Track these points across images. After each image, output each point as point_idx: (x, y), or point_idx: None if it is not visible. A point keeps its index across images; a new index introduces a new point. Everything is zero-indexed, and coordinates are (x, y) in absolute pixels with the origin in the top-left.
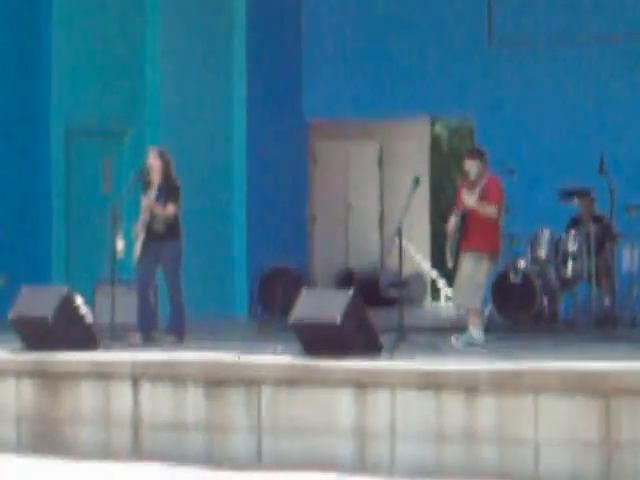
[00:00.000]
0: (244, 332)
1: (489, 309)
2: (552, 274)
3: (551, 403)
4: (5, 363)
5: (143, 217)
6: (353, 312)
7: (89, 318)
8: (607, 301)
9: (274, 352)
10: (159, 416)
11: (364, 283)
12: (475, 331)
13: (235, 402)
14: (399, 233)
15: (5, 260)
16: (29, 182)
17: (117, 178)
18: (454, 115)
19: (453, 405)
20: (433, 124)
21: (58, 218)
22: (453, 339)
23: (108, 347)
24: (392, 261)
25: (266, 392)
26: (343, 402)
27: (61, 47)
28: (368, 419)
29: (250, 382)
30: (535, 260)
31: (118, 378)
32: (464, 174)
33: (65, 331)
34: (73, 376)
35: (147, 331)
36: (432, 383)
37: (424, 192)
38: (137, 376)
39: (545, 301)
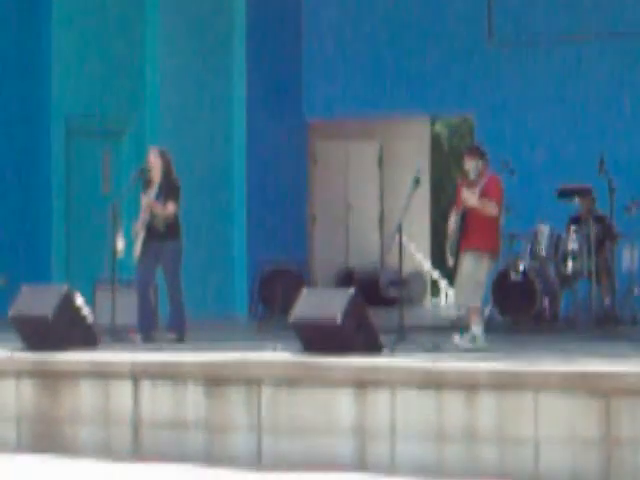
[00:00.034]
0: (244, 331)
1: (489, 308)
2: (552, 272)
3: (551, 402)
4: (5, 362)
5: (143, 216)
6: (353, 311)
7: (89, 317)
8: (607, 300)
9: (274, 350)
10: (159, 415)
11: (364, 282)
12: (477, 330)
13: (235, 401)
14: (399, 231)
15: (5, 260)
16: (29, 182)
17: (117, 177)
18: (454, 114)
19: (453, 404)
20: (433, 123)
21: (58, 218)
22: (457, 338)
23: (108, 346)
24: (392, 260)
25: (266, 391)
26: (343, 401)
27: (61, 47)
28: (368, 418)
29: (250, 381)
30: (535, 257)
31: (118, 377)
32: (464, 173)
33: (65, 330)
34: (73, 375)
35: (147, 331)
36: (432, 382)
37: (424, 191)
38: (137, 375)
39: (545, 300)
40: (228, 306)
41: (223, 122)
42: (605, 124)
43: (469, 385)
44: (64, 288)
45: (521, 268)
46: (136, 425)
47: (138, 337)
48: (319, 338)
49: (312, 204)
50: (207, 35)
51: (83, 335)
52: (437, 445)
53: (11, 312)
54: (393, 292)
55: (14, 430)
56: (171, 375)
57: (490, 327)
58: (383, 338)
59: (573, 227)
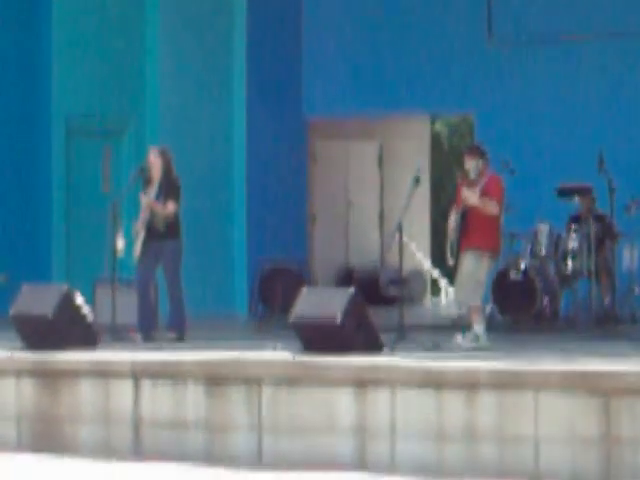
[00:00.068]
0: (244, 331)
1: (489, 307)
2: (552, 271)
3: (551, 401)
4: (5, 362)
5: (143, 216)
6: (353, 310)
7: (89, 317)
8: (607, 299)
9: (274, 350)
10: (159, 415)
11: (364, 282)
12: (479, 329)
13: (235, 400)
14: (399, 230)
15: (5, 259)
16: (29, 182)
17: (117, 177)
18: (454, 113)
19: (453, 403)
20: (433, 122)
21: (58, 217)
22: (459, 338)
23: (108, 346)
24: (392, 259)
25: (266, 390)
26: (343, 400)
27: (61, 47)
28: (368, 417)
29: (250, 380)
30: (535, 256)
31: (118, 376)
32: (464, 172)
33: (65, 330)
34: (73, 374)
35: (147, 330)
36: (432, 381)
37: (424, 190)
38: (137, 374)
39: (545, 299)
40: (228, 305)
41: (223, 122)
42: (605, 124)
43: (469, 384)
44: (64, 287)
45: (521, 267)
46: (136, 424)
47: (138, 336)
48: (319, 337)
49: (312, 203)
50: (207, 35)
51: (83, 334)
52: (437, 444)
53: (11, 311)
54: (393, 291)
55: (14, 429)
56: (171, 374)
57: (490, 326)
58: (383, 337)
59: (573, 226)
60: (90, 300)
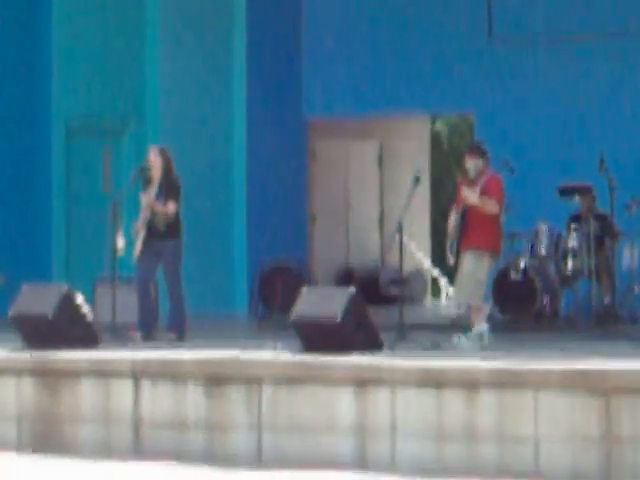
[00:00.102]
0: (244, 330)
1: (489, 306)
2: (552, 270)
3: (551, 400)
4: (5, 361)
5: (143, 215)
6: (353, 310)
7: (89, 316)
8: (607, 298)
9: (274, 349)
10: (159, 414)
11: (364, 281)
12: (481, 326)
13: (235, 400)
14: (399, 230)
15: (5, 259)
16: (29, 182)
17: (117, 176)
18: (454, 113)
19: (453, 402)
20: (433, 122)
21: (58, 217)
22: (463, 339)
23: (108, 345)
24: (392, 258)
25: (266, 390)
26: (343, 400)
27: (61, 46)
28: (368, 417)
29: (250, 380)
30: (535, 256)
31: (118, 376)
32: (464, 172)
33: (65, 329)
34: (73, 374)
35: (147, 329)
36: (432, 380)
37: (424, 190)
38: (137, 374)
39: (546, 299)
40: (228, 305)
41: (223, 121)
42: (605, 123)
43: (469, 383)
44: (64, 287)
45: (521, 267)
46: (136, 424)
47: (138, 335)
48: (319, 337)
49: (312, 203)
50: (207, 35)
51: (83, 334)
52: (437, 443)
53: (11, 311)
54: (393, 291)
55: (14, 429)
56: (171, 374)
57: (490, 325)
58: (383, 337)
59: (573, 225)
60: (90, 299)
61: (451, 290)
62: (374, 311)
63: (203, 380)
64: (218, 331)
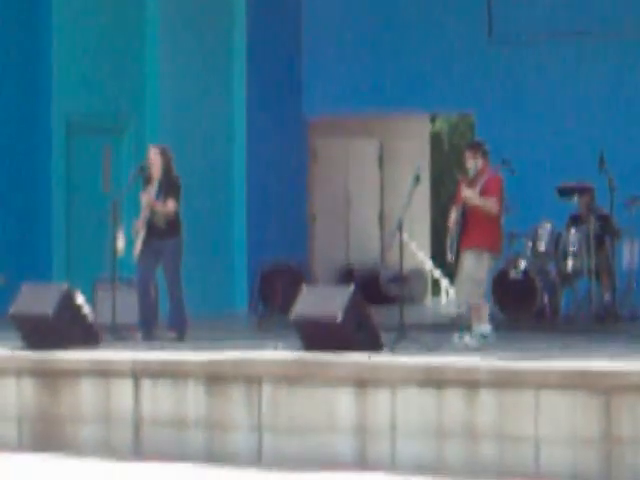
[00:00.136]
0: (244, 329)
1: (488, 305)
2: (552, 270)
3: (551, 399)
4: (6, 361)
5: (144, 214)
6: (354, 309)
7: (90, 316)
8: (607, 298)
9: (275, 349)
10: (160, 414)
11: (364, 280)
12: (484, 326)
13: (235, 399)
14: (400, 228)
15: (5, 259)
16: (29, 181)
17: (117, 176)
18: (455, 112)
19: (453, 402)
20: (433, 121)
21: (58, 217)
22: (467, 337)
23: (109, 345)
24: (392, 257)
25: (266, 389)
26: (344, 399)
27: (61, 45)
28: (369, 416)
29: (250, 379)
30: (535, 254)
31: (119, 376)
32: (464, 170)
33: (66, 329)
34: (74, 374)
35: (148, 329)
36: (432, 380)
37: (424, 189)
38: (138, 374)
39: (546, 298)
40: (228, 303)
41: (223, 121)
42: (605, 123)
43: (469, 383)
44: (64, 286)
45: (522, 266)
46: (137, 424)
47: (139, 335)
48: (319, 336)
49: (312, 202)
50: (207, 35)
51: (84, 334)
52: (437, 443)
53: (11, 311)
54: (393, 290)
55: (15, 429)
56: (172, 373)
57: (493, 326)
58: (383, 336)
59: (573, 225)
60: (90, 300)
61: (451, 290)
62: (374, 310)
63: (203, 380)
64: (218, 331)
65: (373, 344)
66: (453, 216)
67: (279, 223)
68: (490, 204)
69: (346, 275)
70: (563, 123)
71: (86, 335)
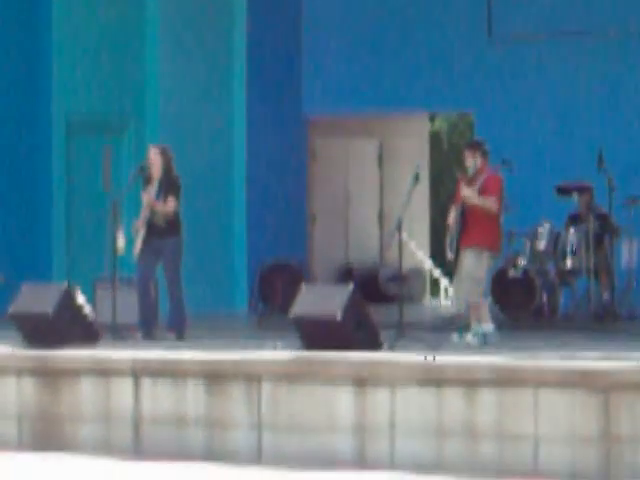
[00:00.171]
0: (244, 328)
1: (487, 304)
2: (551, 268)
3: (550, 398)
4: (6, 360)
5: (144, 214)
6: (353, 308)
7: (90, 315)
8: (606, 296)
9: (274, 348)
10: (159, 412)
11: (364, 279)
12: (486, 325)
13: (235, 398)
14: (399, 228)
15: (5, 259)
16: (29, 181)
17: (117, 176)
18: (454, 111)
19: (453, 400)
20: (432, 120)
21: (58, 216)
22: (469, 335)
23: (109, 344)
24: (392, 256)
25: (266, 388)
26: (343, 398)
27: (61, 45)
28: (368, 415)
29: (250, 378)
30: (534, 253)
31: (119, 375)
32: (464, 169)
33: (66, 328)
34: (74, 373)
35: (148, 328)
36: (432, 378)
37: (424, 188)
38: (137, 372)
39: (545, 297)
40: (228, 302)
41: (223, 122)
42: (605, 123)
43: (468, 381)
44: (64, 286)
45: (521, 265)
46: (137, 422)
47: (139, 335)
48: (319, 334)
49: (312, 201)
50: (207, 35)
51: (84, 333)
52: (437, 441)
53: (11, 310)
54: (393, 289)
55: (15, 428)
56: (171, 372)
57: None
58: (383, 335)
59: (572, 224)
60: (90, 299)
61: (450, 289)
62: (373, 309)
63: (203, 378)
64: (218, 330)
65: (372, 343)
66: (452, 215)
67: (279, 222)
68: (489, 203)
69: (345, 274)
70: (562, 122)
71: (86, 334)
